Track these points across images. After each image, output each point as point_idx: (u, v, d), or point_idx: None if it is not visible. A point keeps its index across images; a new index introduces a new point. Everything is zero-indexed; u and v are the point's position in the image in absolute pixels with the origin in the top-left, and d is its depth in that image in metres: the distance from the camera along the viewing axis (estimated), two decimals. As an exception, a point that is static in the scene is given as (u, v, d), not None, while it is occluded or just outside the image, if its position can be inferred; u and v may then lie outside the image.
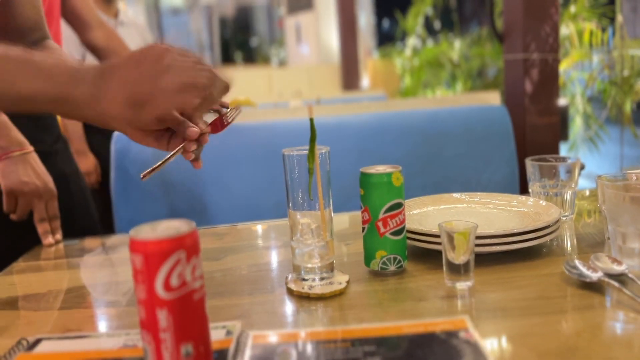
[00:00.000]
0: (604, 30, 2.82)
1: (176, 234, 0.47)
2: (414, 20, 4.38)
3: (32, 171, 1.02)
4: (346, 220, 1.10)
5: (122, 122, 0.61)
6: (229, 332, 0.59)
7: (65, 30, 1.73)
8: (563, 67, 2.81)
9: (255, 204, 1.43)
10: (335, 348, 0.55)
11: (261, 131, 1.50)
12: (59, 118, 1.32)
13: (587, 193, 1.20)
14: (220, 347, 0.56)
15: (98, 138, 2.04)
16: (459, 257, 0.68)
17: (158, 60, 0.61)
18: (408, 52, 4.44)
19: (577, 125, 2.98)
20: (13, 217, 1.04)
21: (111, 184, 1.41)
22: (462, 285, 0.69)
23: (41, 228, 1.05)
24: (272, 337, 0.58)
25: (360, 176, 0.75)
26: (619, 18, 2.64)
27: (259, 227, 1.13)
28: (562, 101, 2.80)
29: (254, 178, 1.44)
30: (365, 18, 5.61)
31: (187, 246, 0.47)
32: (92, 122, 0.63)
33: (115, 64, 0.62)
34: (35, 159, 1.04)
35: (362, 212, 0.75)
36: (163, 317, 0.47)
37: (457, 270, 0.69)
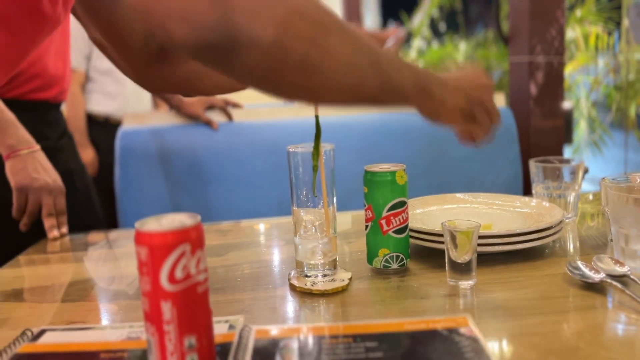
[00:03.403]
0: (609, 34, 2.82)
1: (181, 226, 0.47)
2: (420, 22, 4.37)
3: (41, 167, 1.04)
4: (349, 219, 1.10)
5: (450, 114, 0.65)
6: (231, 327, 0.60)
7: (74, 26, 1.73)
8: (568, 70, 2.81)
9: (259, 203, 1.43)
10: (337, 343, 0.55)
11: (266, 129, 1.51)
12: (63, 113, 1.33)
13: (591, 197, 1.20)
14: (222, 340, 0.56)
15: (97, 130, 2.05)
16: (462, 256, 0.68)
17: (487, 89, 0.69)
18: (413, 53, 4.44)
19: (581, 128, 2.98)
20: (24, 220, 1.05)
21: (115, 180, 1.41)
22: (465, 284, 0.70)
23: (48, 222, 1.06)
24: (275, 332, 0.58)
25: (364, 174, 0.75)
26: (625, 22, 2.64)
27: (262, 225, 1.14)
28: (566, 104, 2.80)
29: (258, 176, 1.45)
30: (370, 19, 5.61)
31: (192, 239, 0.48)
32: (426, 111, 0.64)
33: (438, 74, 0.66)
34: (42, 156, 1.06)
35: (366, 210, 0.75)
36: (167, 309, 0.47)
37: (460, 269, 0.69)
